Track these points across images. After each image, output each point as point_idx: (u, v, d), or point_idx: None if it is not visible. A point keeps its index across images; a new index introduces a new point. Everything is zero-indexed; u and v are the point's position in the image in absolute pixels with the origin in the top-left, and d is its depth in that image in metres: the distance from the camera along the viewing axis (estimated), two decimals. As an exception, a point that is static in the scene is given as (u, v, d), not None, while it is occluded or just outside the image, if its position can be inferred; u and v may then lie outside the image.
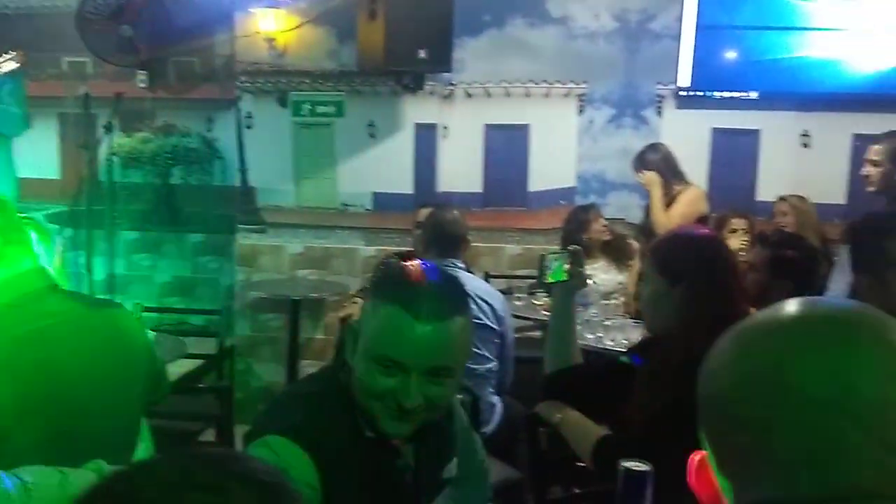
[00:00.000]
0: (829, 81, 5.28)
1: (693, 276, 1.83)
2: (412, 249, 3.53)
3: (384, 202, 5.64)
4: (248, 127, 5.60)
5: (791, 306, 0.67)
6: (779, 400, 0.60)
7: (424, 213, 3.59)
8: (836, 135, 5.43)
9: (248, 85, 5.54)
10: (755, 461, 0.61)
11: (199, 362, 4.39)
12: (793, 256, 2.71)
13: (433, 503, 1.46)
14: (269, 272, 5.62)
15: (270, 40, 5.38)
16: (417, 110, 5.57)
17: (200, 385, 4.40)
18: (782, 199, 4.70)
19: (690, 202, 4.31)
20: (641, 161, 4.53)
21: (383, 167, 5.62)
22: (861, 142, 5.40)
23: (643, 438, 1.69)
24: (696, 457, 0.70)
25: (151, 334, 1.92)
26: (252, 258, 5.65)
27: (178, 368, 3.82)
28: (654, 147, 4.64)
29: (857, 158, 5.40)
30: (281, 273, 5.60)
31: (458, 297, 1.31)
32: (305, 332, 5.36)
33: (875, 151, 3.70)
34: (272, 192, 5.69)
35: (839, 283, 3.47)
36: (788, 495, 0.60)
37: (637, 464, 1.41)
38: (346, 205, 5.69)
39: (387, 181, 5.63)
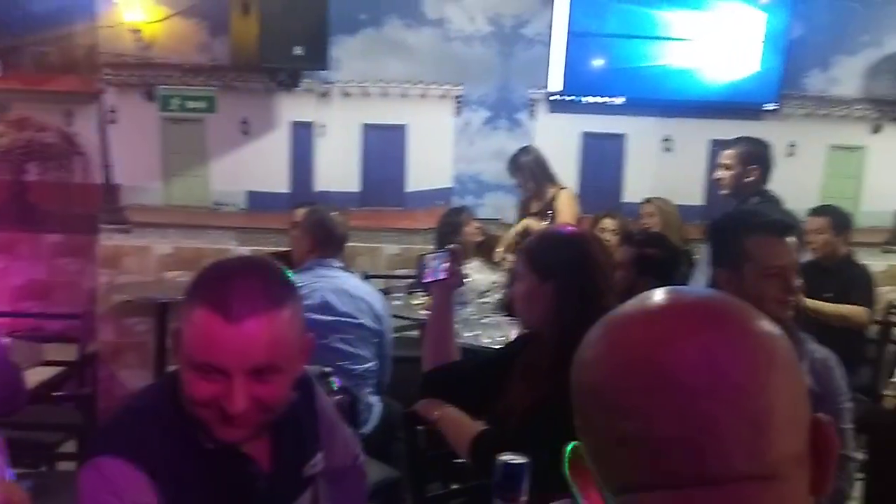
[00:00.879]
0: (687, 89, 5.58)
1: (563, 273, 1.89)
2: (289, 249, 3.46)
3: (259, 201, 5.51)
4: (112, 121, 5.32)
5: (658, 296, 0.69)
6: (653, 387, 0.62)
7: (301, 212, 3.53)
8: (694, 140, 5.75)
9: (112, 77, 5.27)
10: (631, 447, 0.63)
11: (58, 370, 4.14)
12: (656, 255, 2.84)
13: (297, 502, 1.43)
14: (135, 274, 5.37)
15: (136, 31, 5.14)
16: (293, 108, 5.47)
17: (60, 393, 4.15)
18: (648, 200, 4.93)
19: (572, 205, 4.45)
20: (515, 163, 4.64)
21: (258, 165, 5.49)
22: (718, 147, 5.74)
23: (519, 432, 1.73)
24: (569, 447, 0.72)
25: (5, 340, 1.79)
26: (116, 259, 5.38)
27: (35, 376, 3.59)
28: (525, 150, 4.76)
29: (714, 162, 5.74)
30: (147, 275, 5.36)
31: (276, 289, 1.23)
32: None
33: (726, 156, 3.95)
34: (138, 190, 5.44)
35: (700, 281, 3.68)
36: (664, 479, 0.61)
37: (514, 456, 1.44)
38: (219, 204, 5.51)
39: (261, 180, 5.50)
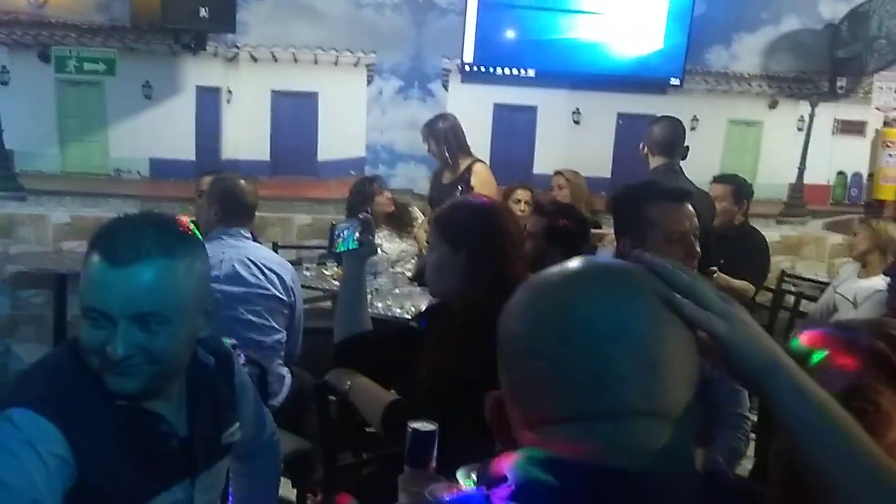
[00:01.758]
0: (596, 63, 5.68)
1: (474, 244, 1.91)
2: (195, 219, 3.37)
3: (162, 169, 5.32)
4: (4, 83, 5.02)
5: (576, 261, 0.80)
6: (568, 332, 0.72)
7: (207, 181, 3.43)
8: (602, 113, 5.87)
9: (4, 36, 4.97)
10: (547, 386, 0.73)
11: (-54, 345, 3.93)
12: (566, 226, 2.90)
13: (215, 468, 1.41)
14: (31, 244, 5.12)
15: (28, -13, 4.85)
16: (199, 72, 5.29)
17: (-51, 370, 3.94)
18: (558, 172, 5.01)
19: (489, 178, 4.44)
20: (431, 129, 4.59)
21: (161, 131, 5.29)
22: (624, 120, 5.89)
23: (430, 400, 1.74)
24: (491, 395, 0.81)
25: None
26: (9, 229, 5.11)
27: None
28: (444, 116, 4.73)
29: (622, 136, 5.89)
30: (44, 245, 5.12)
31: (169, 239, 1.22)
32: (73, 308, 4.94)
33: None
34: (32, 156, 5.16)
35: (606, 250, 3.78)
36: (574, 413, 0.71)
37: (424, 424, 1.46)
38: (119, 171, 5.30)
39: (165, 147, 5.31)
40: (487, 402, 0.80)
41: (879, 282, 3.16)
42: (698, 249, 2.09)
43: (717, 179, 4.29)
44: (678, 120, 3.95)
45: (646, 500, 0.69)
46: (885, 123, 6.03)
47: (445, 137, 4.40)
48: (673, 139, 3.79)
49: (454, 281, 1.93)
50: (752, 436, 2.45)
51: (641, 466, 0.69)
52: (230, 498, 1.58)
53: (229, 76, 5.35)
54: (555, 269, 0.80)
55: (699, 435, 0.77)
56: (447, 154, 4.43)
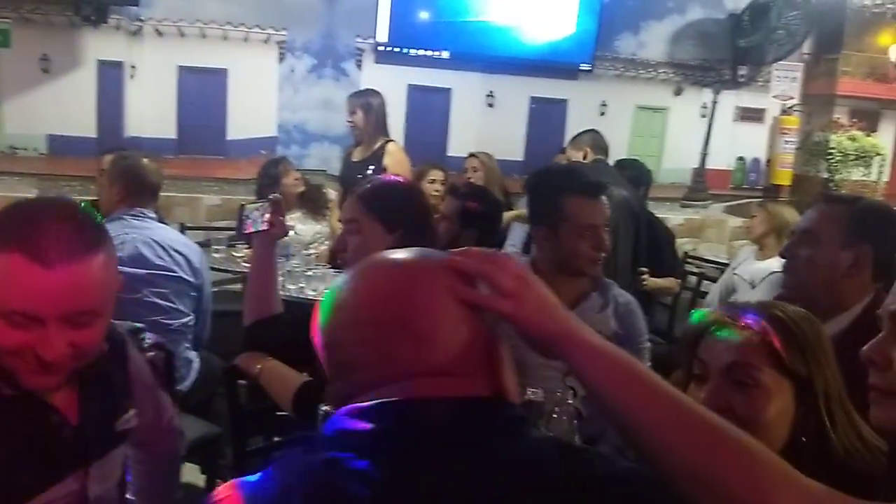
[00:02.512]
0: (509, 47, 5.73)
1: (409, 223, 1.92)
2: (96, 199, 3.23)
3: (61, 146, 5.09)
4: None
5: (372, 257, 0.94)
6: (359, 321, 0.87)
7: (109, 159, 3.29)
8: (515, 97, 5.94)
9: None
10: (347, 367, 0.88)
11: None
12: (479, 208, 2.91)
13: (109, 456, 1.36)
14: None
15: None
16: (101, 46, 5.07)
17: None
18: (473, 155, 5.01)
19: (403, 159, 4.39)
20: (364, 98, 4.42)
21: (60, 107, 5.05)
22: (537, 104, 5.97)
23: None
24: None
25: None
26: None
27: None
28: (375, 92, 4.57)
29: (534, 119, 5.97)
30: (-68, 225, 4.83)
31: (89, 232, 1.18)
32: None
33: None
34: (-83, 130, 4.86)
35: (518, 232, 3.83)
36: (389, 377, 0.84)
37: (336, 406, 1.45)
38: (15, 148, 5.04)
39: (64, 123, 5.08)
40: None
41: (775, 263, 3.31)
42: (608, 242, 2.15)
43: (619, 164, 4.40)
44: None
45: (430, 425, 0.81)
46: (783, 111, 6.31)
47: (376, 113, 4.32)
48: (605, 145, 4.01)
49: None
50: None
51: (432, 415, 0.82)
52: (128, 486, 1.53)
53: (133, 51, 5.15)
54: (355, 267, 0.93)
55: None
56: (371, 131, 4.34)
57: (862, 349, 1.02)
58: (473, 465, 0.78)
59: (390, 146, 4.26)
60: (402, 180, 2.17)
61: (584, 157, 3.89)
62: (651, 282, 3.71)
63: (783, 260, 1.88)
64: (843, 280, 1.75)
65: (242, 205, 1.99)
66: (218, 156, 5.46)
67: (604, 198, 2.17)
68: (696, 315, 1.33)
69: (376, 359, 0.85)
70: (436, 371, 0.83)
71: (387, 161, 4.19)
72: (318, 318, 0.91)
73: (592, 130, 4.17)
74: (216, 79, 5.39)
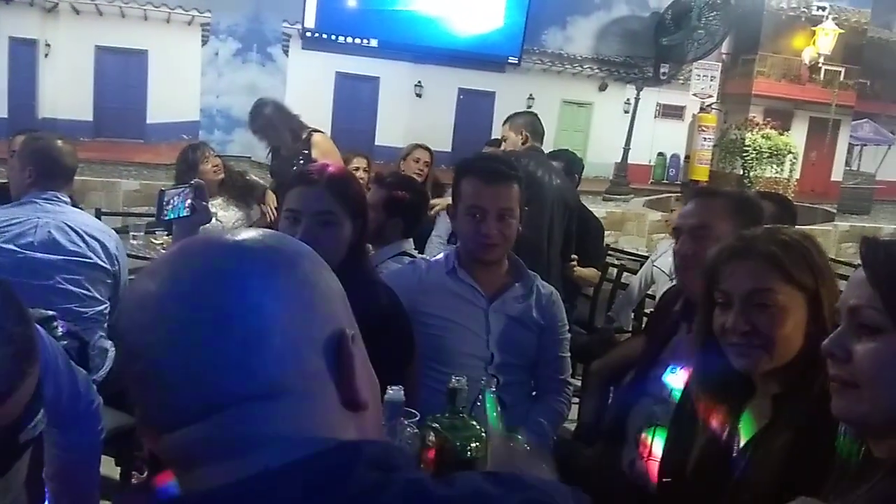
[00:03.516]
0: (437, 37, 5.73)
1: (364, 212, 1.95)
2: (6, 181, 3.09)
3: (-32, 126, 4.85)
4: None
5: (172, 249, 0.72)
6: (148, 324, 0.65)
7: (20, 140, 3.15)
8: (444, 87, 5.94)
9: None
10: (146, 386, 0.65)
11: None
12: (405, 198, 2.91)
13: (11, 470, 1.31)
14: None
15: None
16: (13, 22, 4.84)
17: None
18: (421, 146, 4.93)
19: (332, 148, 4.34)
20: (259, 121, 4.32)
21: (-34, 85, 4.81)
22: (465, 96, 6.00)
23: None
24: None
25: None
26: None
27: None
28: (263, 103, 4.43)
29: (462, 110, 5.99)
30: None
31: None
32: None
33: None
34: None
35: (444, 223, 3.84)
36: (179, 415, 0.63)
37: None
38: (-83, 127, 4.78)
39: (-28, 102, 4.84)
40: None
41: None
42: (508, 231, 2.15)
43: (550, 155, 4.46)
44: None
45: None
46: (701, 109, 6.51)
47: (272, 123, 4.26)
48: (542, 131, 4.03)
49: (345, 250, 1.93)
50: (576, 400, 2.59)
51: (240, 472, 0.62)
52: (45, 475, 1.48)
53: (48, 28, 4.94)
54: (153, 261, 0.74)
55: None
56: (288, 136, 4.27)
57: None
58: None
59: (315, 137, 4.21)
60: (346, 169, 2.22)
61: (524, 143, 3.91)
62: (578, 271, 3.79)
63: (677, 257, 1.95)
64: None
65: (162, 190, 1.93)
66: (137, 139, 5.29)
67: (512, 186, 2.17)
68: (713, 251, 1.49)
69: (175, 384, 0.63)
70: (260, 392, 0.63)
71: (315, 154, 4.14)
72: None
73: (530, 113, 4.20)
74: (136, 60, 5.22)
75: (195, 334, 0.63)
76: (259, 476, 0.60)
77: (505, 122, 4.09)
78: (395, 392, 1.53)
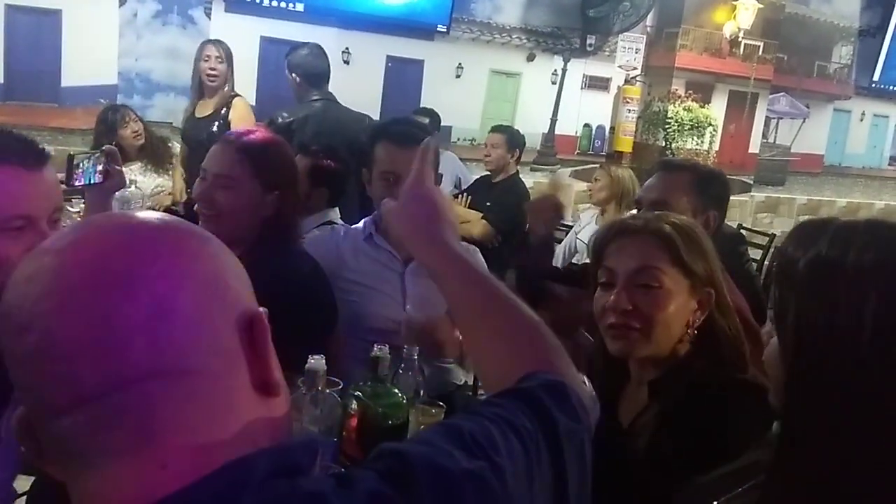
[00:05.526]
0: (365, 3, 5.65)
1: (287, 183, 1.91)
2: None
3: None
4: None
5: (67, 228, 0.66)
6: (52, 291, 0.59)
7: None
8: (372, 55, 5.88)
9: None
10: (41, 362, 0.58)
11: None
12: (330, 166, 2.89)
13: None
14: None
15: None
16: (-90, -24, 4.57)
17: None
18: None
19: (248, 113, 4.22)
20: (225, 47, 4.14)
21: None
22: (394, 63, 5.95)
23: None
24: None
25: None
26: None
27: None
28: (220, 42, 4.28)
29: (391, 78, 5.94)
30: None
31: None
32: None
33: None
34: None
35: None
36: (75, 395, 0.57)
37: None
38: None
39: None
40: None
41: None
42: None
43: (494, 129, 4.52)
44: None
45: None
46: (626, 81, 6.62)
47: (226, 64, 4.10)
48: (325, 67, 3.80)
49: (260, 220, 1.88)
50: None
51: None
52: None
53: (-49, -16, 4.68)
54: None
55: None
56: (227, 83, 4.11)
57: (611, 303, 1.32)
58: None
59: (236, 101, 4.10)
60: (274, 136, 2.11)
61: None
62: (464, 229, 3.82)
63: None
64: None
65: (71, 155, 1.87)
66: (51, 103, 5.09)
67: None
68: (600, 227, 1.48)
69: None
70: (164, 368, 0.58)
71: (232, 116, 4.03)
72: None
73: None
74: (49, 20, 4.99)
75: (99, 298, 0.57)
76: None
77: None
78: (316, 361, 1.53)
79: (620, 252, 1.37)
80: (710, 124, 6.72)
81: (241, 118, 4.01)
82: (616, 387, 1.42)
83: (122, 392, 0.57)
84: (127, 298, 0.58)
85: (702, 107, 6.70)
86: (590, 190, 4.16)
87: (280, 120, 3.59)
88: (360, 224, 2.30)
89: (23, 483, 2.40)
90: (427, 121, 4.14)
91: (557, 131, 6.54)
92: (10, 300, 0.60)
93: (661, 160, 2.20)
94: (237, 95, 4.15)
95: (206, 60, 4.03)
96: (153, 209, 3.80)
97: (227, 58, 4.09)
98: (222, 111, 4.02)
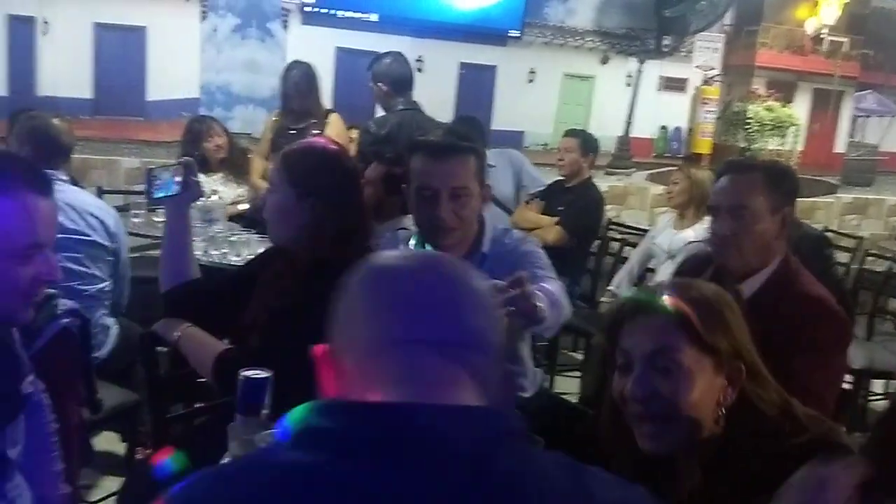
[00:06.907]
0: (438, 12, 5.69)
1: (324, 192, 1.84)
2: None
3: (-32, 105, 4.85)
4: None
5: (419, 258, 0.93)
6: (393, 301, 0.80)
7: (17, 119, 3.15)
8: (445, 62, 5.91)
9: None
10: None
11: None
12: (402, 174, 2.89)
13: (18, 419, 1.34)
14: None
15: None
16: (10, 0, 4.82)
17: None
18: (571, 133, 4.88)
19: (343, 129, 4.27)
20: (287, 81, 4.25)
21: (-34, 64, 4.80)
22: (466, 70, 5.97)
23: (262, 347, 1.72)
24: (319, 350, 0.80)
25: None
26: None
27: None
28: (297, 64, 4.38)
29: (464, 85, 5.97)
30: None
31: None
32: None
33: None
34: None
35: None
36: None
37: (256, 371, 1.44)
38: (-83, 106, 4.78)
39: (-28, 81, 4.84)
40: (316, 356, 0.80)
41: (691, 233, 3.41)
42: (452, 212, 1.85)
43: (567, 133, 4.47)
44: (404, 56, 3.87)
45: (416, 436, 0.71)
46: (704, 81, 6.47)
47: (297, 85, 4.17)
48: (409, 75, 3.77)
49: (297, 228, 1.86)
50: (578, 374, 2.60)
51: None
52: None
53: (45, 5, 4.92)
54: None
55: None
56: (306, 104, 4.19)
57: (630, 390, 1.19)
58: (473, 482, 0.70)
59: (332, 117, 4.16)
60: (324, 146, 2.09)
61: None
62: (526, 212, 3.74)
63: (716, 237, 1.86)
64: (773, 243, 1.80)
65: (150, 168, 1.91)
66: (137, 117, 5.29)
67: (467, 160, 1.89)
68: (612, 305, 1.32)
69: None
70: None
71: (328, 132, 4.09)
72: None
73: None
74: (134, 37, 5.19)
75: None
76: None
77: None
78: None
79: (635, 333, 1.27)
80: (793, 124, 6.51)
81: (338, 134, 4.06)
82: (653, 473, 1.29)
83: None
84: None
85: (784, 106, 6.50)
86: (668, 193, 4.06)
87: (373, 129, 3.61)
88: (412, 233, 2.14)
89: (110, 483, 2.50)
90: (576, 142, 4.06)
91: (632, 134, 6.44)
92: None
93: (726, 162, 2.06)
94: (332, 111, 4.21)
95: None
96: (231, 217, 3.91)
97: (300, 77, 4.15)
98: (317, 126, 4.07)
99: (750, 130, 6.35)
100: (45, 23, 4.94)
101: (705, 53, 6.40)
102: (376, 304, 0.78)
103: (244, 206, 4.05)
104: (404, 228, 2.82)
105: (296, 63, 4.30)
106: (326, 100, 5.15)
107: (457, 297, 0.79)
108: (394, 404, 0.72)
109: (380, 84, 3.77)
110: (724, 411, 1.21)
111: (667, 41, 6.33)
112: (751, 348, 1.26)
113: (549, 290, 1.71)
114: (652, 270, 3.71)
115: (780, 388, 1.26)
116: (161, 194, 1.86)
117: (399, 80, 3.74)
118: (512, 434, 0.75)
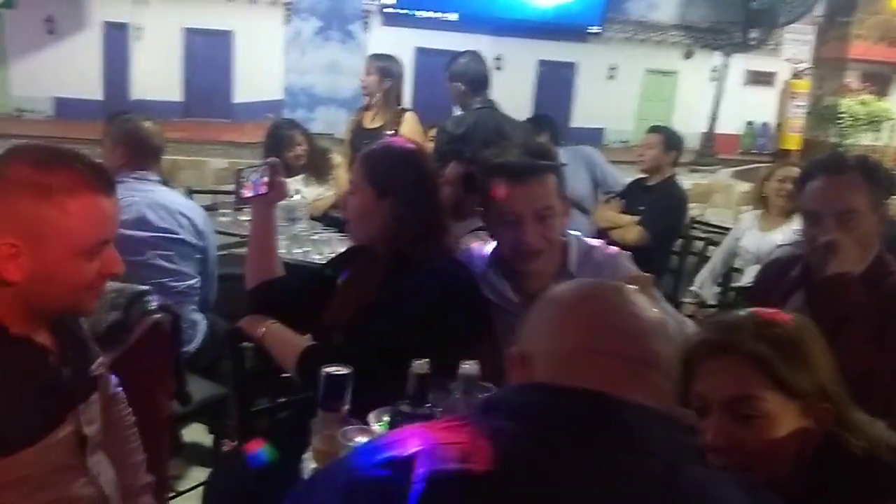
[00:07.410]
0: (517, 9, 5.67)
1: (403, 191, 1.84)
2: (102, 161, 3.22)
3: (68, 108, 5.08)
4: None
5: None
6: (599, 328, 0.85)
7: (112, 121, 3.28)
8: (524, 60, 5.89)
9: None
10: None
11: None
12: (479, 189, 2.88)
13: (92, 399, 1.39)
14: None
15: None
16: (105, 7, 5.04)
17: None
18: (654, 130, 4.84)
19: (419, 128, 4.30)
20: (384, 62, 4.26)
21: (66, 69, 5.04)
22: (545, 67, 5.93)
23: (344, 344, 1.75)
24: (512, 353, 0.87)
25: None
26: None
27: None
28: (397, 61, 4.39)
29: (543, 82, 5.92)
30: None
31: None
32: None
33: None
34: (-76, 92, 4.86)
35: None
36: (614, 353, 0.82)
37: (337, 368, 1.47)
38: (22, 110, 5.05)
39: (70, 85, 5.07)
40: (508, 359, 0.87)
41: (779, 237, 3.28)
42: (539, 235, 1.84)
43: (650, 129, 4.37)
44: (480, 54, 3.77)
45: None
46: (793, 75, 6.24)
47: (394, 81, 4.20)
48: (486, 73, 3.68)
49: (378, 227, 1.88)
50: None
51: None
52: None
53: (137, 12, 5.12)
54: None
55: None
56: (381, 94, 4.23)
57: (709, 440, 1.11)
58: (665, 483, 0.72)
59: (407, 115, 4.19)
60: (404, 145, 2.11)
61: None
62: (606, 212, 3.67)
63: (820, 244, 1.75)
64: (873, 241, 1.74)
65: (239, 168, 1.96)
66: (224, 119, 5.45)
67: (547, 180, 1.77)
68: (684, 342, 1.23)
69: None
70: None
71: (403, 130, 4.12)
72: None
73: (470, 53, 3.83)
74: (222, 41, 5.36)
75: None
76: None
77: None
78: (469, 366, 1.53)
79: (711, 376, 1.17)
80: (889, 118, 6.22)
81: (412, 132, 4.08)
82: None
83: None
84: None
85: (879, 100, 6.21)
86: (762, 194, 3.91)
87: (449, 128, 3.63)
88: (487, 250, 2.08)
89: (197, 474, 2.59)
90: (659, 138, 3.92)
91: (717, 130, 6.27)
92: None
93: (813, 162, 1.91)
94: (408, 110, 4.24)
95: (364, 74, 4.15)
96: (313, 216, 3.98)
97: (382, 72, 4.17)
98: (393, 125, 4.11)
99: (842, 125, 6.10)
100: (138, 28, 5.14)
101: (795, 46, 6.18)
102: (570, 319, 0.86)
103: (328, 200, 4.09)
104: (482, 228, 2.81)
105: (389, 57, 4.24)
106: (406, 99, 5.19)
107: (641, 321, 0.86)
108: (599, 392, 0.76)
109: (457, 83, 3.77)
110: (808, 454, 1.12)
111: (754, 34, 6.14)
112: (837, 386, 1.14)
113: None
114: (736, 270, 3.60)
115: (869, 422, 1.16)
116: (249, 194, 1.91)
117: (476, 78, 3.73)
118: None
